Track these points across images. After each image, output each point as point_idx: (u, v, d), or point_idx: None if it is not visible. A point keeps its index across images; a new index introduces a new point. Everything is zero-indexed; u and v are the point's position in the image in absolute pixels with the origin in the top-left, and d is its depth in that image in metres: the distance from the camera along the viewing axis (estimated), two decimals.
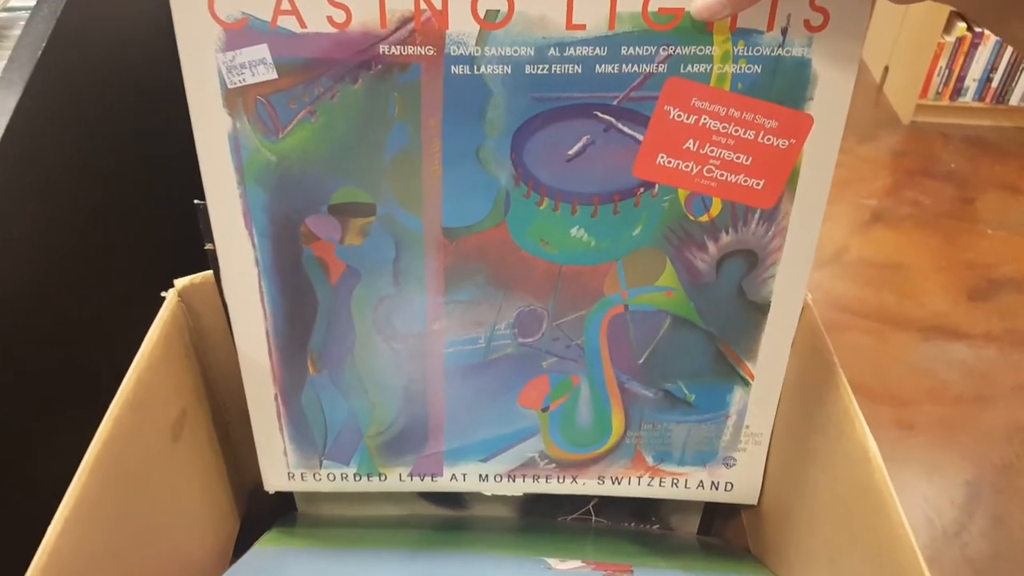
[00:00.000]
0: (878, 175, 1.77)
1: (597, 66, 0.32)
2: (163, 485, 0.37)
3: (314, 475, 0.43)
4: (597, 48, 0.32)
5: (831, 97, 0.33)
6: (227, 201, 0.35)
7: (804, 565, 0.39)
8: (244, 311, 0.38)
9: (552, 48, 0.32)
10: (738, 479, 0.43)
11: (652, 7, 0.31)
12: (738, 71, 0.32)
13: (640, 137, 0.34)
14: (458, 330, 0.38)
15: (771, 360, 0.39)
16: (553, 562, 0.39)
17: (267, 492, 0.44)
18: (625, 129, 0.33)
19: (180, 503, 0.39)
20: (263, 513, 0.47)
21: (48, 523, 0.28)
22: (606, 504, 0.48)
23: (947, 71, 1.89)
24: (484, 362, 0.39)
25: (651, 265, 0.37)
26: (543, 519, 0.48)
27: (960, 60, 1.87)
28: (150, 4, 0.51)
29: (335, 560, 0.41)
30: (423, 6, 0.31)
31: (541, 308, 0.38)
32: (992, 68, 1.87)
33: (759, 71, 0.32)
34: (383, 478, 0.43)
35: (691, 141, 0.33)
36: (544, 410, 0.41)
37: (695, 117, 0.33)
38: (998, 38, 1.79)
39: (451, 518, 0.48)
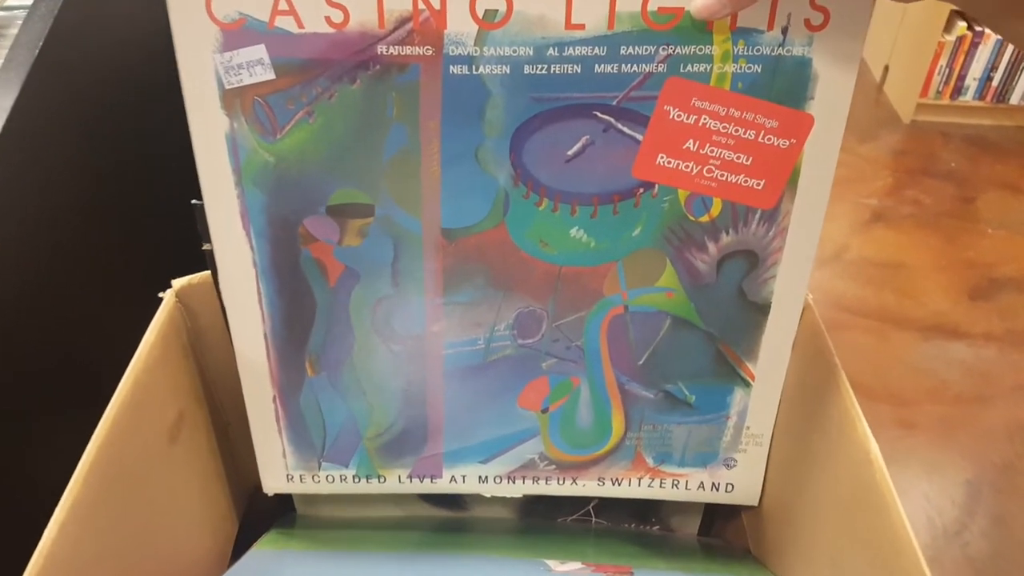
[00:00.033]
0: (878, 174, 1.77)
1: (596, 66, 0.32)
2: (161, 487, 0.36)
3: (313, 477, 0.43)
4: (596, 48, 0.32)
5: (832, 96, 0.32)
6: (224, 202, 0.35)
7: (805, 566, 0.39)
8: (242, 313, 0.38)
9: (551, 48, 0.32)
10: (739, 480, 0.43)
11: (651, 6, 0.31)
12: (738, 71, 0.32)
13: (640, 137, 0.33)
14: (457, 331, 0.38)
15: (772, 361, 0.39)
16: (553, 564, 0.39)
17: (266, 493, 0.43)
18: (625, 129, 0.33)
19: (178, 505, 0.39)
20: (262, 514, 0.46)
21: (46, 525, 0.28)
22: (606, 505, 0.48)
23: (947, 70, 1.88)
24: (483, 363, 0.39)
25: (651, 266, 0.37)
26: (543, 520, 0.48)
27: (960, 59, 1.87)
28: (148, 3, 0.50)
29: (334, 562, 0.41)
30: (421, 6, 0.31)
31: (540, 309, 0.38)
32: (992, 67, 1.87)
33: (759, 71, 0.32)
34: (382, 480, 0.43)
35: (691, 141, 0.33)
36: (544, 411, 0.41)
37: (695, 117, 0.33)
38: (998, 37, 1.79)
39: (450, 519, 0.48)
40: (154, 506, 0.36)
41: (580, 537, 0.47)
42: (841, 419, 0.35)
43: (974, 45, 1.85)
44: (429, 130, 0.33)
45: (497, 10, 0.31)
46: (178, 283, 0.39)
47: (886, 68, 2.10)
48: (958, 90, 1.91)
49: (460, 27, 0.31)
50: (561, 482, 0.43)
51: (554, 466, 0.42)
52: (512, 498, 0.47)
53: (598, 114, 0.33)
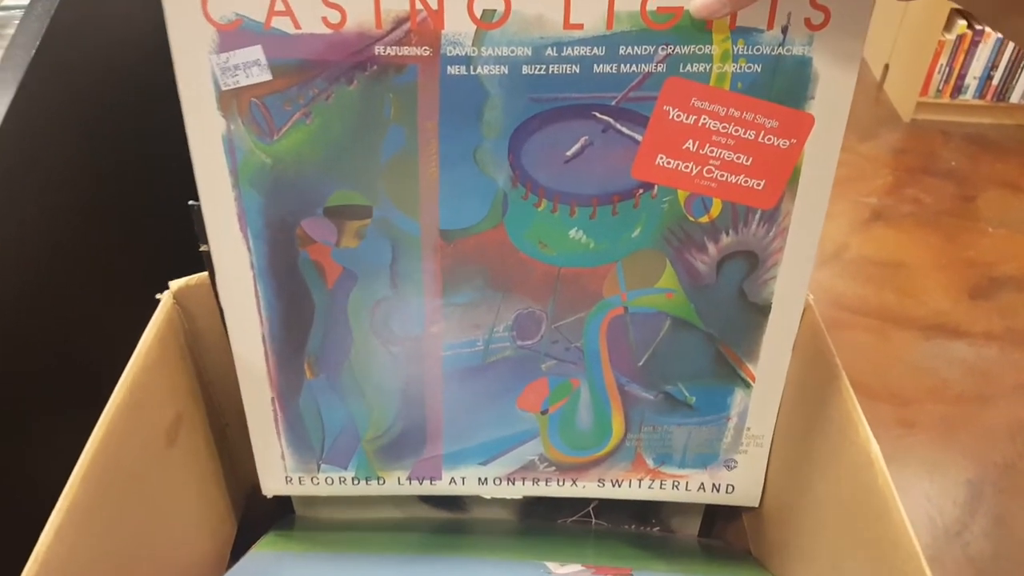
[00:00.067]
0: (878, 173, 1.77)
1: (595, 66, 0.32)
2: (158, 490, 0.36)
3: (312, 479, 0.43)
4: (595, 48, 0.31)
5: (832, 96, 0.32)
6: (221, 203, 0.35)
7: (806, 568, 0.38)
8: (240, 315, 0.38)
9: (549, 48, 0.31)
10: (739, 481, 0.42)
11: (651, 6, 0.31)
12: (738, 70, 0.32)
13: (639, 138, 0.33)
14: (456, 333, 0.38)
15: (772, 362, 0.39)
16: (553, 566, 0.38)
17: (264, 495, 0.43)
18: (624, 130, 0.33)
19: (176, 508, 0.39)
20: (260, 516, 0.46)
21: (43, 527, 0.28)
22: (606, 506, 0.48)
23: (948, 69, 1.88)
24: (482, 365, 0.39)
25: (651, 267, 0.36)
26: (543, 521, 0.48)
27: (961, 58, 1.86)
28: (145, 3, 0.50)
29: (333, 564, 0.41)
30: (419, 6, 0.31)
31: (540, 310, 0.38)
32: (993, 66, 1.87)
33: (759, 70, 0.32)
34: (381, 482, 0.43)
35: (691, 141, 0.33)
36: (543, 413, 0.41)
37: (694, 117, 0.33)
38: (999, 36, 1.79)
39: (450, 521, 0.48)
40: (152, 509, 0.36)
41: (580, 538, 0.46)
42: (842, 420, 0.35)
43: (974, 44, 1.84)
44: (427, 131, 0.33)
45: (495, 10, 0.31)
46: (175, 284, 0.39)
47: (886, 67, 2.09)
48: (958, 89, 1.91)
49: (458, 27, 0.31)
50: (561, 484, 0.43)
51: (554, 467, 0.42)
52: (512, 499, 0.47)
53: (597, 114, 0.33)
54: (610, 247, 0.36)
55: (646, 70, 0.32)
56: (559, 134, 0.33)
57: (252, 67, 0.32)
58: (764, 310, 0.37)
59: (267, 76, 0.32)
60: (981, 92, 1.91)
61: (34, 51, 0.41)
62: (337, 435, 0.41)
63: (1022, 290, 1.47)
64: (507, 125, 0.33)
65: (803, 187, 0.34)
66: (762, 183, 0.34)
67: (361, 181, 0.34)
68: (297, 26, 0.31)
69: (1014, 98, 1.90)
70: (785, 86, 0.32)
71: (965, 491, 1.11)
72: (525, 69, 0.32)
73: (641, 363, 0.39)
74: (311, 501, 0.47)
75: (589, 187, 0.34)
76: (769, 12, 0.31)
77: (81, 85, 0.46)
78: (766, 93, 0.32)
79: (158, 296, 0.39)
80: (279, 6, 0.31)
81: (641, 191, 0.34)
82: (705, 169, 0.34)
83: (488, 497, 0.44)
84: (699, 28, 0.31)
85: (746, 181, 0.34)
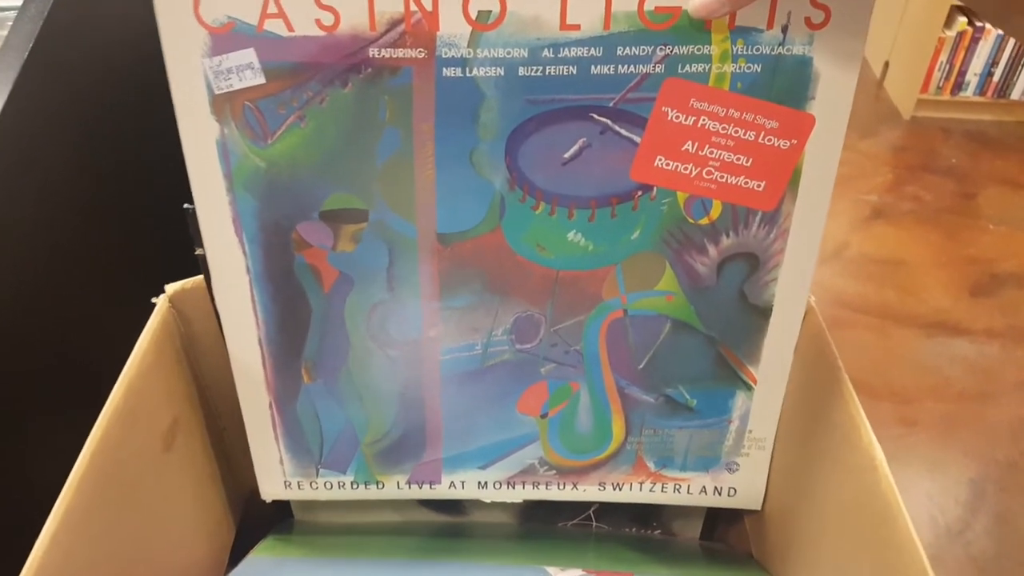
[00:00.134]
0: (879, 171, 1.76)
1: (592, 67, 0.31)
2: (155, 495, 0.36)
3: (311, 484, 0.42)
4: (592, 49, 0.31)
5: (833, 96, 0.32)
6: (216, 208, 0.34)
7: (808, 571, 0.38)
8: (236, 319, 0.37)
9: (546, 49, 0.31)
10: (741, 484, 0.42)
11: (648, 6, 0.30)
12: (737, 70, 0.31)
13: (637, 139, 0.33)
14: (454, 336, 0.38)
15: (774, 364, 0.38)
16: (553, 570, 0.38)
17: (263, 499, 0.43)
18: (622, 131, 0.33)
19: (173, 513, 0.38)
20: (259, 520, 0.46)
21: (40, 530, 0.27)
22: (607, 509, 0.47)
23: (948, 66, 1.88)
24: (481, 369, 0.39)
25: (650, 269, 0.36)
26: (543, 525, 0.48)
27: (961, 55, 1.86)
28: (138, 4, 0.50)
29: (332, 569, 0.41)
30: (413, 7, 0.30)
31: (538, 314, 0.37)
32: (993, 63, 1.87)
33: (759, 70, 0.31)
34: (381, 486, 0.42)
35: (690, 143, 0.33)
36: (543, 416, 0.40)
37: (694, 118, 0.32)
38: (999, 33, 1.78)
39: (450, 524, 0.48)
40: (149, 514, 0.35)
41: (581, 542, 0.46)
42: (845, 423, 0.35)
43: (975, 41, 1.84)
44: (423, 133, 0.33)
45: (490, 11, 0.30)
46: (171, 288, 0.39)
47: (886, 64, 2.09)
48: (959, 86, 1.91)
49: (453, 29, 0.31)
50: (561, 487, 0.42)
51: (554, 471, 0.42)
52: (512, 503, 0.47)
53: (595, 116, 0.32)
54: (609, 250, 0.36)
55: (644, 71, 0.31)
56: (556, 136, 0.33)
57: (245, 70, 0.31)
58: (765, 312, 0.37)
59: (260, 79, 0.31)
60: (982, 89, 1.91)
61: (27, 53, 0.40)
62: (336, 439, 0.41)
63: (1023, 287, 1.46)
64: (504, 127, 0.33)
65: (804, 188, 0.34)
66: (762, 184, 0.34)
67: (357, 184, 0.34)
68: (290, 28, 0.31)
69: (1015, 95, 1.90)
70: (785, 86, 0.32)
71: (967, 490, 1.11)
72: (521, 71, 0.31)
73: (641, 366, 0.39)
74: (310, 505, 0.47)
75: (587, 189, 0.34)
76: (769, 11, 0.30)
77: (75, 87, 0.45)
78: (766, 93, 0.32)
79: (154, 300, 0.38)
80: (272, 8, 0.30)
81: (640, 193, 0.34)
82: (705, 171, 0.33)
83: (488, 501, 0.44)
84: (698, 28, 0.31)
85: (746, 182, 0.33)
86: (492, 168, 0.34)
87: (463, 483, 0.42)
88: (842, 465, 0.35)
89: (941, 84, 1.91)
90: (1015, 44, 1.82)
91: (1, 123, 0.38)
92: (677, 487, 0.42)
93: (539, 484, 0.42)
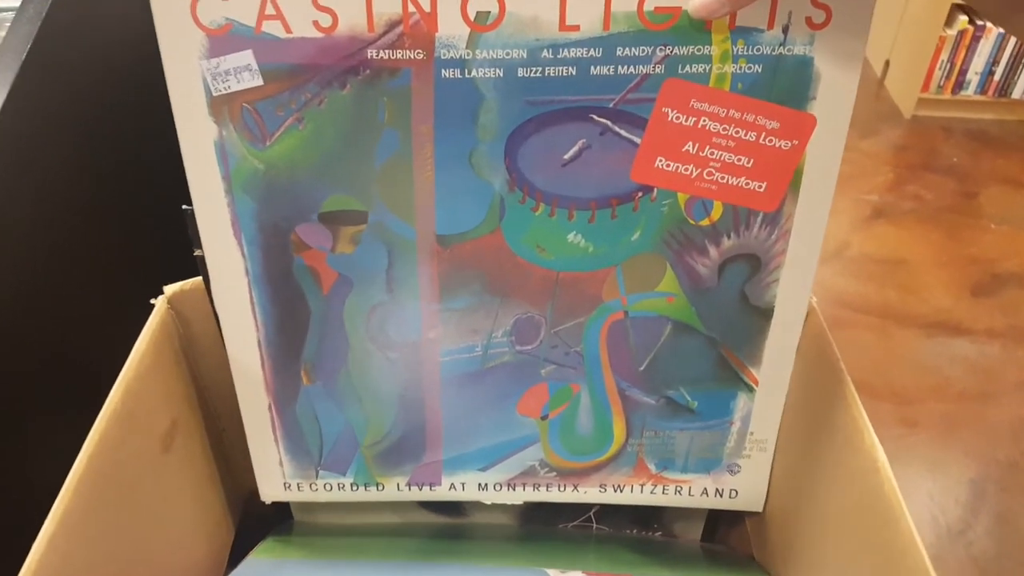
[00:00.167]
0: (880, 170, 1.76)
1: (592, 68, 0.31)
2: (154, 497, 0.36)
3: (310, 485, 0.42)
4: (592, 49, 0.31)
5: (834, 96, 0.32)
6: (215, 210, 0.34)
7: (810, 573, 0.38)
8: (235, 321, 0.37)
9: (545, 50, 0.31)
10: (743, 486, 0.42)
11: (648, 6, 0.30)
12: (738, 71, 0.31)
13: (637, 140, 0.33)
14: (454, 338, 0.38)
15: (775, 365, 0.38)
16: (553, 573, 0.38)
17: (262, 500, 0.43)
18: (622, 132, 0.33)
19: (172, 514, 0.38)
20: (258, 521, 0.46)
21: (38, 530, 0.27)
22: (607, 511, 0.47)
23: (949, 65, 1.87)
24: (481, 370, 0.39)
25: (651, 270, 0.36)
26: (543, 527, 0.48)
27: (962, 54, 1.86)
28: (137, 5, 0.50)
29: (332, 570, 0.41)
30: (411, 9, 0.30)
31: (539, 315, 0.37)
32: (994, 61, 1.86)
33: (760, 71, 0.31)
34: (380, 488, 0.42)
35: (690, 143, 0.33)
36: (543, 418, 0.40)
37: (694, 119, 0.32)
38: (1000, 31, 1.78)
39: (450, 526, 0.47)
40: (148, 515, 0.35)
41: (581, 544, 0.46)
42: (847, 425, 0.35)
43: (975, 39, 1.84)
44: (421, 135, 0.33)
45: (489, 12, 0.30)
46: (170, 289, 0.39)
47: (887, 63, 2.09)
48: (959, 84, 1.90)
49: (451, 30, 0.30)
50: (562, 489, 0.42)
51: (555, 473, 0.42)
52: (512, 505, 0.47)
53: (594, 117, 0.32)
54: (609, 251, 0.35)
55: (644, 71, 0.31)
56: (556, 137, 0.33)
57: (243, 72, 0.31)
58: (767, 313, 0.37)
59: (258, 81, 0.31)
60: (983, 88, 1.90)
61: (26, 54, 0.40)
62: (335, 441, 0.41)
63: None
64: (503, 128, 0.32)
65: (805, 189, 0.34)
66: (763, 185, 0.33)
67: (355, 186, 0.34)
68: (288, 30, 0.30)
69: (1016, 94, 1.90)
70: (786, 86, 0.31)
71: (968, 490, 1.11)
72: (520, 71, 0.31)
73: (642, 368, 0.38)
74: (309, 507, 0.46)
75: (587, 190, 0.34)
76: (769, 11, 0.30)
77: (74, 87, 0.45)
78: (767, 94, 0.32)
79: (153, 301, 0.38)
80: (269, 10, 0.30)
81: (640, 194, 0.34)
82: (705, 171, 0.33)
83: (488, 503, 0.44)
84: (698, 28, 0.30)
85: (747, 183, 0.33)
86: (491, 169, 0.33)
87: (463, 485, 0.42)
88: (844, 467, 0.35)
89: (942, 83, 1.91)
90: (1016, 43, 1.81)
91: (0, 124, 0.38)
92: (678, 489, 0.42)
93: (539, 486, 0.42)
